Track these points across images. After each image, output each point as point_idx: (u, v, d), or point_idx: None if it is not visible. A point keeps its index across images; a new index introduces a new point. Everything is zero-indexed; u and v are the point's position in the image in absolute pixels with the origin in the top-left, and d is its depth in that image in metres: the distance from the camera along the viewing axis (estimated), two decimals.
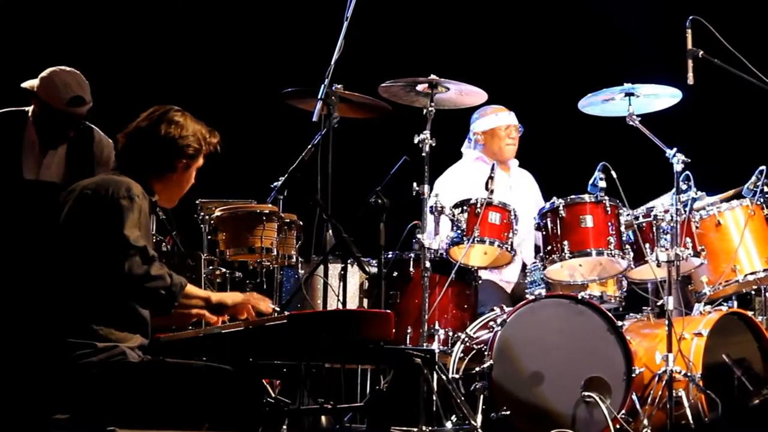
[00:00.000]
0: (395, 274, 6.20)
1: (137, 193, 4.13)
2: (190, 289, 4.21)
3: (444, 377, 5.62)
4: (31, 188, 5.70)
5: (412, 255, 6.18)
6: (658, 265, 6.07)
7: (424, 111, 6.20)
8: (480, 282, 6.37)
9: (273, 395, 5.31)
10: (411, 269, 6.18)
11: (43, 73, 5.74)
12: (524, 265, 6.82)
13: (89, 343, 4.01)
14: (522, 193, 7.09)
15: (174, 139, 4.27)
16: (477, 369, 5.82)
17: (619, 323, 6.02)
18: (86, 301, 4.05)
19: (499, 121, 7.06)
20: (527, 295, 6.28)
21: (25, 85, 5.77)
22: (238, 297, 4.38)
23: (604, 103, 6.46)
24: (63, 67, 5.76)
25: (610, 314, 5.97)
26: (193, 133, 4.30)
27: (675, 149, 6.11)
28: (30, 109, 5.81)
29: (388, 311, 4.27)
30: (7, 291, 5.00)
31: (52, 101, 5.68)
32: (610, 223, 6.15)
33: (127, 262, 4.02)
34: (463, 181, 6.89)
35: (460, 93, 6.37)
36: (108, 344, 4.03)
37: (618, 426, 5.75)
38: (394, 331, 4.16)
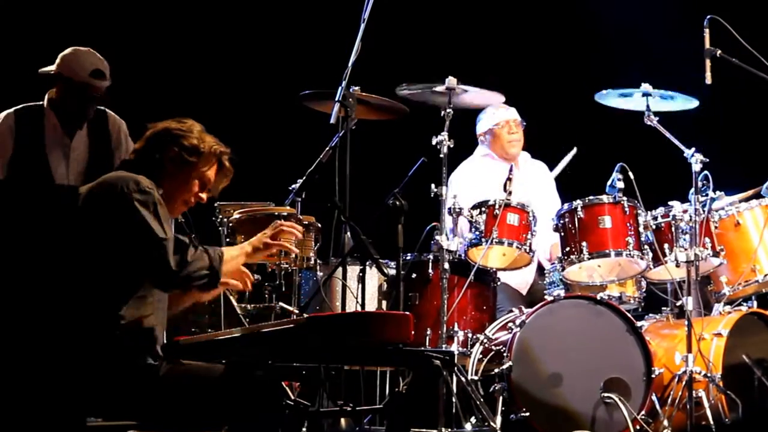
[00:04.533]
0: (414, 275, 6.21)
1: (147, 185, 4.12)
2: (227, 255, 4.22)
3: (463, 379, 5.63)
4: (59, 189, 5.73)
5: (431, 256, 6.18)
6: (678, 266, 6.06)
7: (442, 113, 6.20)
8: (498, 283, 6.37)
9: (292, 398, 5.31)
10: (430, 271, 6.18)
11: (64, 52, 5.77)
12: (540, 267, 6.79)
13: (107, 345, 4.02)
14: (534, 188, 6.99)
15: (170, 129, 4.28)
16: (496, 370, 5.82)
17: (638, 324, 6.01)
18: (101, 303, 4.03)
19: (496, 118, 6.94)
20: (546, 296, 6.27)
21: (44, 69, 5.80)
22: (267, 235, 4.33)
23: (621, 97, 6.40)
24: (83, 48, 5.80)
25: (629, 315, 5.96)
26: (197, 134, 4.29)
27: (693, 149, 6.10)
28: (45, 101, 5.83)
29: (407, 313, 4.26)
30: (28, 295, 5.02)
31: (74, 75, 5.70)
32: (628, 224, 6.14)
33: (162, 257, 4.01)
34: (474, 178, 6.84)
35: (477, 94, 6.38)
36: (126, 347, 4.04)
37: (638, 427, 5.74)
38: (413, 332, 4.14)
